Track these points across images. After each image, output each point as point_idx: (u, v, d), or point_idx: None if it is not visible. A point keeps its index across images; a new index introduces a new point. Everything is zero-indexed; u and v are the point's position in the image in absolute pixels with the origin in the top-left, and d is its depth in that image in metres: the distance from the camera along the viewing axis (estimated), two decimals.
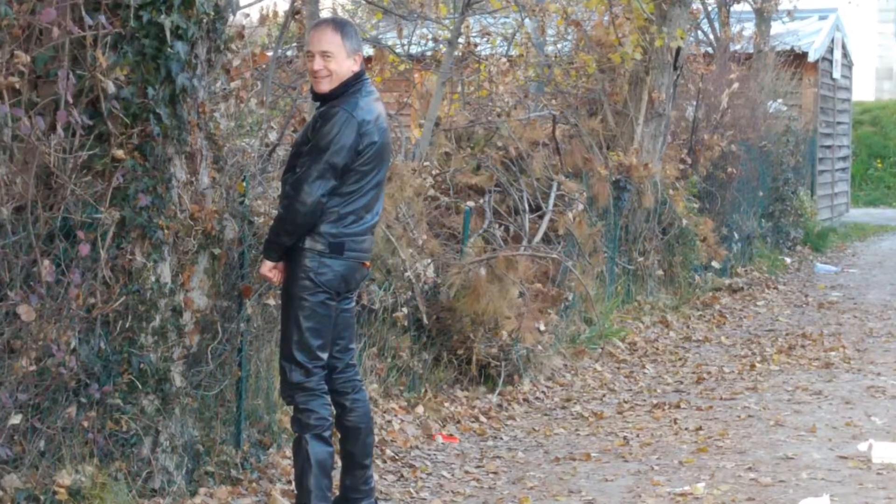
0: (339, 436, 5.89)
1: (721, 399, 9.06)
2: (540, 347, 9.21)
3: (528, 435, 7.99)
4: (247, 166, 6.48)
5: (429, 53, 12.29)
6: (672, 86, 12.93)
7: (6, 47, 4.90)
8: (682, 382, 9.74)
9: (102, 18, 5.15)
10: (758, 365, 10.32)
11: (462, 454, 7.43)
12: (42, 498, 5.09)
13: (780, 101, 19.09)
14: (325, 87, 5.62)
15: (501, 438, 7.88)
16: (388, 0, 12.23)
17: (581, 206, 10.64)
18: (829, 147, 22.94)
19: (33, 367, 5.04)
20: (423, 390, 8.22)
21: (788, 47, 20.19)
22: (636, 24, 12.22)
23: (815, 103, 21.42)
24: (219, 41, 5.96)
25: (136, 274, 5.50)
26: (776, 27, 20.18)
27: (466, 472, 7.04)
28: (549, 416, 8.52)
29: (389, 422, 7.58)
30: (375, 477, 6.28)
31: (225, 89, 6.21)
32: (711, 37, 18.59)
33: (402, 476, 6.87)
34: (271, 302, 6.48)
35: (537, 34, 12.81)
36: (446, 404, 8.24)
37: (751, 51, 18.82)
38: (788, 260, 17.47)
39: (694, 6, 14.90)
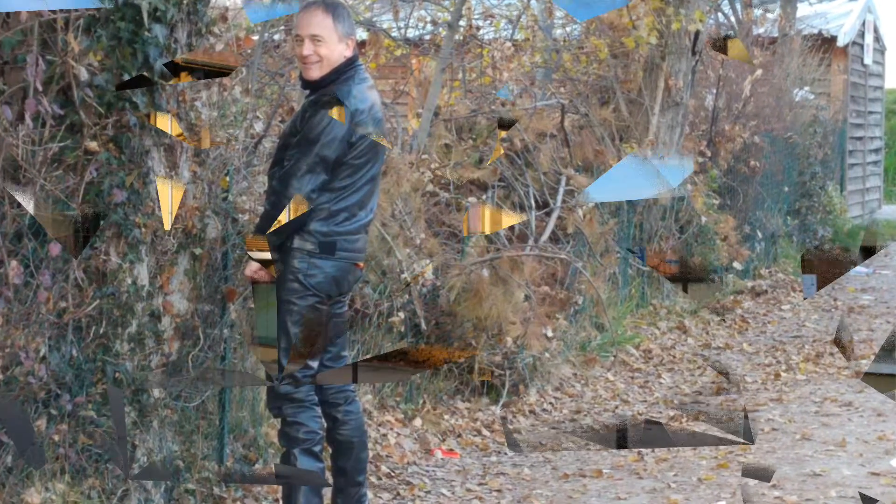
0: (331, 451, 5.89)
1: (743, 411, 9.06)
2: (547, 355, 9.21)
3: (534, 450, 7.99)
4: (230, 159, 6.48)
5: (427, 37, 12.29)
6: (690, 72, 12.93)
7: None
8: (700, 393, 9.74)
9: None
10: (783, 374, 10.33)
11: (463, 470, 7.44)
12: None
13: (806, 88, 19.10)
14: (316, 73, 5.63)
15: (506, 453, 7.89)
16: None
17: (591, 203, 10.64)
18: (859, 138, 22.95)
19: (0, 377, 5.04)
20: (421, 401, 8.22)
21: (816, 31, 20.20)
22: (651, 5, 12.22)
23: (844, 91, 21.43)
24: (200, 24, 5.97)
25: (111, 276, 5.50)
26: (803, 9, 20.20)
27: (468, 489, 7.05)
28: (558, 430, 8.52)
29: (385, 435, 7.58)
30: (370, 495, 6.28)
31: None
32: (733, 19, 18.58)
33: (398, 494, 6.87)
34: None
35: (544, 16, 12.81)
36: (446, 417, 8.25)
37: (775, 35, 18.83)
38: None
39: None
